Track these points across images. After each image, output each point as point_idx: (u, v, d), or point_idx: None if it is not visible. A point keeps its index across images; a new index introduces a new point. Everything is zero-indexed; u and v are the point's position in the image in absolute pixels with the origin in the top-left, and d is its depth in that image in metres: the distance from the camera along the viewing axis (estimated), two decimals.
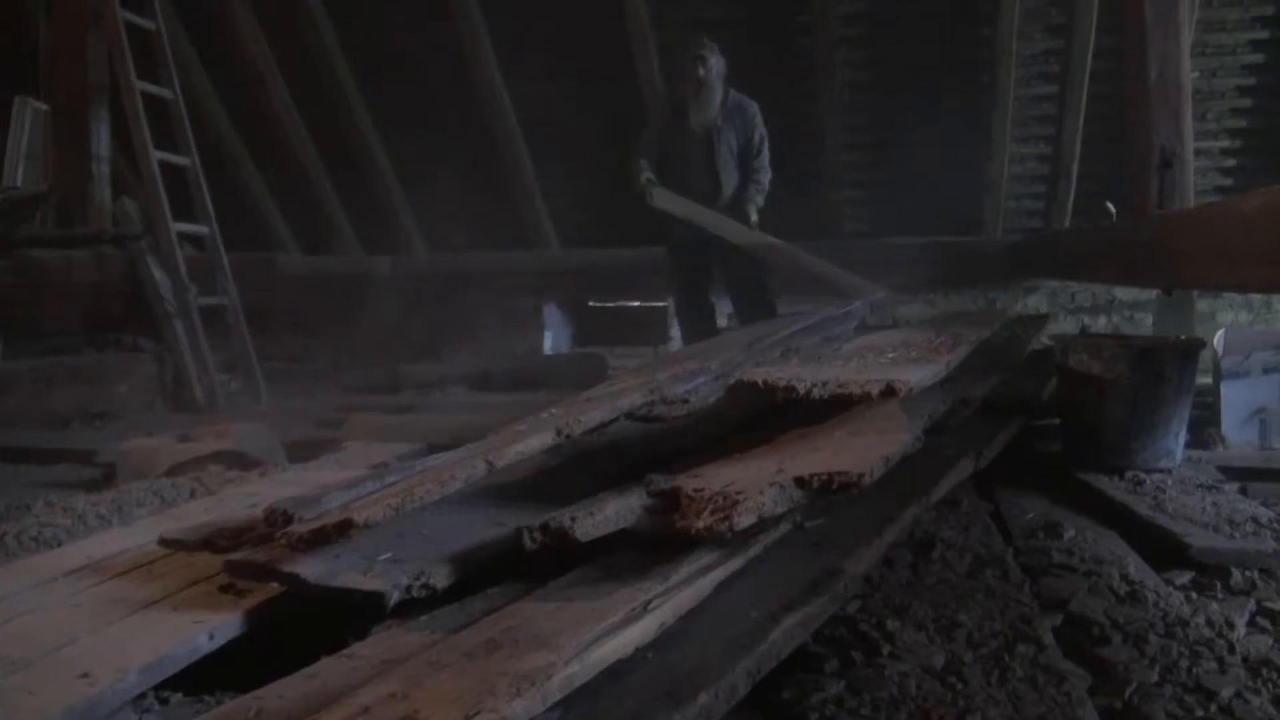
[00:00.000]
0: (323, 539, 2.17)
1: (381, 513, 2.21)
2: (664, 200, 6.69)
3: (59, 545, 2.87)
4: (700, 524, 2.06)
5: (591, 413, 3.03)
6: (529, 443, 2.68)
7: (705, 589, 2.04)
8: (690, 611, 1.97)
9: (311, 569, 2.11)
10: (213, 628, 2.03)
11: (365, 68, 8.25)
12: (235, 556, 2.25)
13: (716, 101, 6.72)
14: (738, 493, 2.13)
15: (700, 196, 6.76)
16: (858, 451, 2.51)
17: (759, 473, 2.37)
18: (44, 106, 6.77)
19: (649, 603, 1.89)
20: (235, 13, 8.05)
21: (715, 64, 6.69)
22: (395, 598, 2.02)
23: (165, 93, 6.49)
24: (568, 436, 2.83)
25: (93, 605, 2.18)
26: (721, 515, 2.05)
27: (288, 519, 2.27)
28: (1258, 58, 7.27)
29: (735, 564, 2.17)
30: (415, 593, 2.05)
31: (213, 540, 2.45)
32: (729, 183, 6.81)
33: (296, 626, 2.13)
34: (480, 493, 2.69)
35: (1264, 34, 7.16)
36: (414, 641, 1.88)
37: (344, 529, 2.16)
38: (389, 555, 2.19)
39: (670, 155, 6.84)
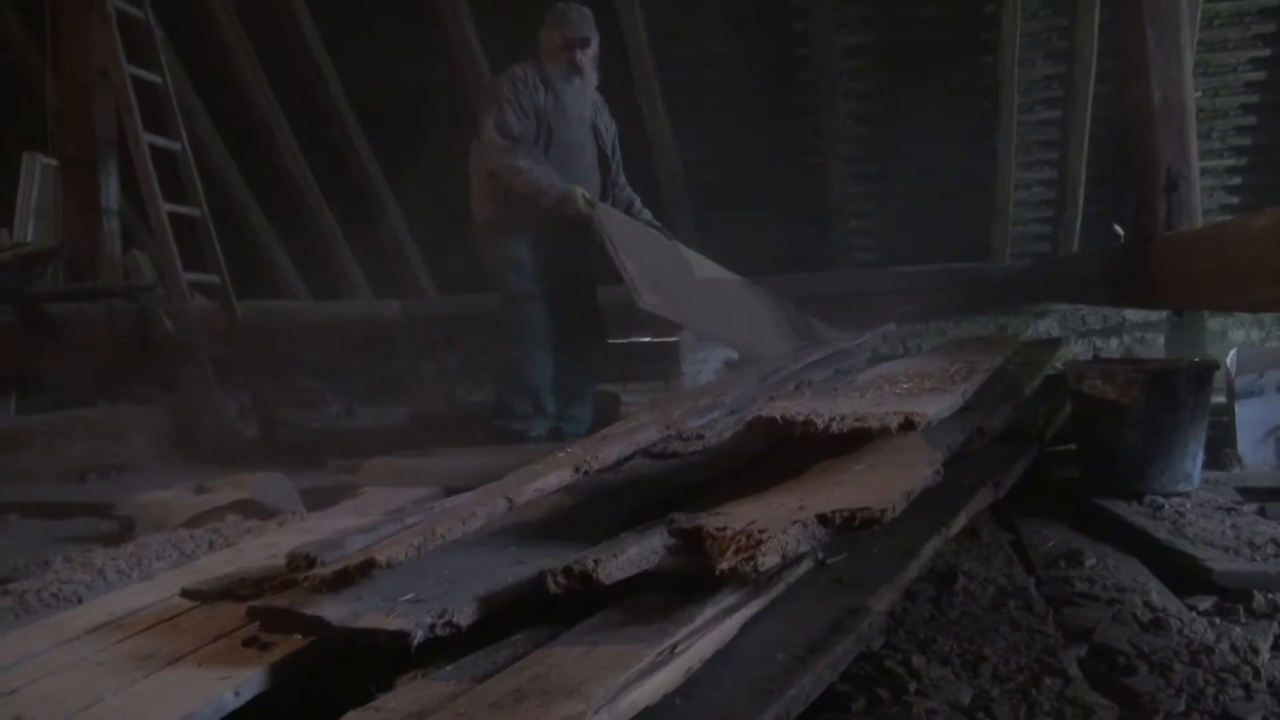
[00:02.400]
0: (345, 580, 2.17)
1: (404, 552, 2.21)
2: (609, 223, 5.39)
3: (80, 601, 2.87)
4: (724, 565, 2.05)
5: (608, 449, 3.04)
6: (547, 480, 2.68)
7: (730, 631, 2.04)
8: (716, 654, 1.97)
9: (334, 611, 2.11)
10: (238, 684, 2.02)
11: (371, 113, 8.29)
12: (258, 603, 2.25)
13: (592, 89, 5.84)
14: (760, 531, 2.13)
15: None
16: (879, 486, 2.51)
17: (781, 510, 2.37)
18: (53, 162, 6.82)
19: (675, 646, 1.89)
20: (240, 63, 8.10)
21: (595, 49, 5.80)
22: (419, 637, 2.00)
23: (173, 145, 6.53)
24: (585, 473, 2.84)
25: (117, 663, 2.18)
26: (746, 555, 2.04)
27: (310, 563, 2.28)
28: (1260, 75, 7.29)
29: (759, 604, 2.16)
30: (439, 631, 2.03)
31: (234, 590, 2.46)
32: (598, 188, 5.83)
33: (321, 679, 2.13)
34: (501, 532, 2.69)
35: (1265, 51, 7.18)
36: (440, 692, 1.87)
37: (367, 569, 2.16)
38: (411, 595, 2.18)
39: (551, 147, 5.65)
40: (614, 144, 6.06)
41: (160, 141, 6.42)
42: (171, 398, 6.20)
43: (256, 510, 3.94)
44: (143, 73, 6.46)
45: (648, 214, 6.13)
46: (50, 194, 7.01)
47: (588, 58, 5.73)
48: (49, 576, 3.15)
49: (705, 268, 6.35)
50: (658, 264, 5.56)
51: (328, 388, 8.13)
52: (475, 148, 5.74)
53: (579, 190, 5.45)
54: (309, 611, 2.12)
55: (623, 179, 6.14)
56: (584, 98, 5.79)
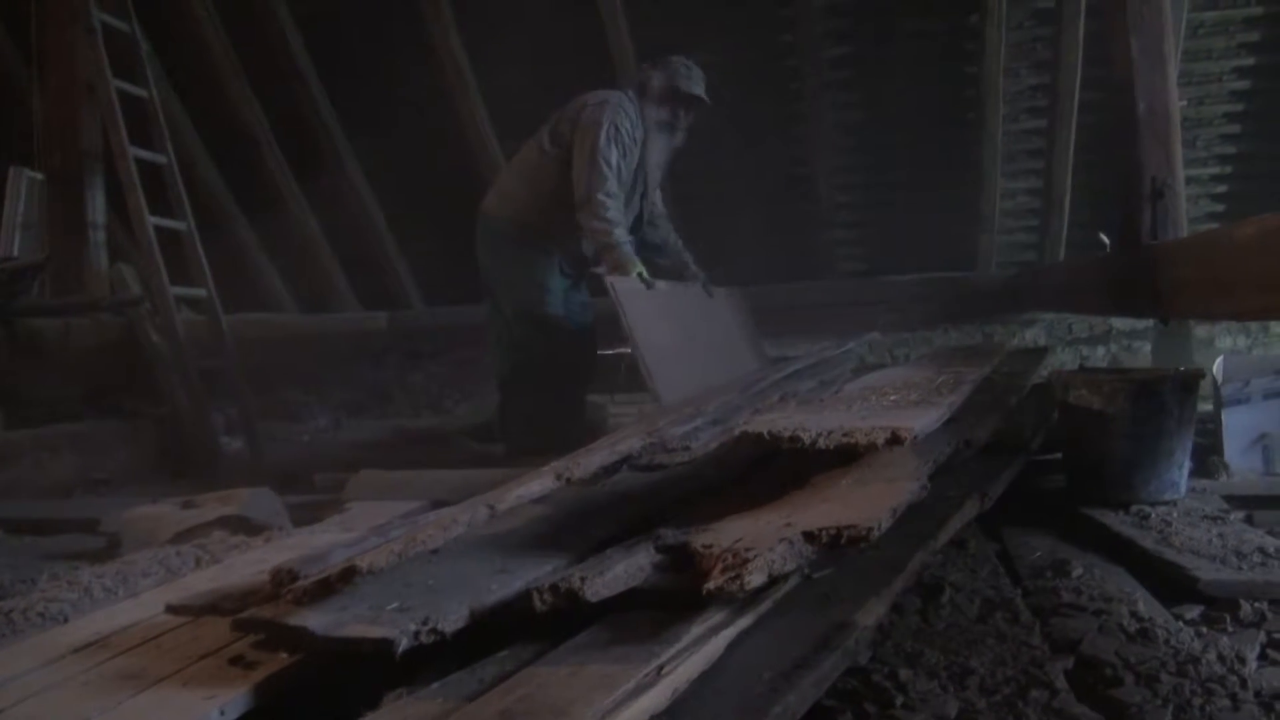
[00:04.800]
0: (327, 590, 2.17)
1: (385, 559, 2.20)
2: (634, 318, 4.99)
3: (66, 620, 2.86)
4: (712, 584, 2.05)
5: (591, 459, 3.03)
6: (529, 487, 2.67)
7: (717, 650, 2.03)
8: (703, 674, 1.96)
9: (318, 621, 2.10)
10: (223, 703, 2.02)
11: (358, 126, 8.29)
12: (242, 615, 2.26)
13: (671, 150, 5.91)
14: (747, 549, 2.12)
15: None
16: (865, 502, 2.51)
17: (767, 526, 2.37)
18: (39, 176, 6.80)
19: (662, 666, 1.88)
20: (227, 77, 8.10)
21: (693, 116, 5.84)
22: (404, 644, 1.99)
23: (159, 158, 6.52)
24: (567, 480, 2.83)
25: (103, 683, 2.17)
26: (733, 574, 2.04)
27: (293, 577, 2.28)
28: (1244, 84, 7.31)
29: (746, 621, 2.16)
30: (424, 638, 2.02)
31: (219, 605, 2.46)
32: None
33: (306, 699, 2.12)
34: (487, 544, 2.68)
35: (1250, 60, 7.20)
36: (426, 710, 1.87)
37: (348, 576, 2.16)
38: (396, 605, 2.17)
39: (629, 201, 5.67)
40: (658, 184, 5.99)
41: (146, 155, 6.41)
42: (158, 412, 6.19)
43: (243, 526, 3.93)
44: (129, 86, 6.45)
45: (689, 256, 6.11)
46: (36, 208, 6.99)
47: (688, 117, 5.79)
48: (35, 595, 3.14)
49: (691, 301, 6.08)
50: (669, 342, 5.27)
51: (315, 400, 8.12)
52: (543, 154, 5.63)
53: (640, 270, 5.34)
54: (293, 622, 2.11)
55: (661, 214, 6.15)
56: (664, 156, 5.84)
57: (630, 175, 5.57)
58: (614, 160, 5.40)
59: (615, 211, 5.40)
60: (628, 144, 5.50)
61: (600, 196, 5.36)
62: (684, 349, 5.41)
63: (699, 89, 5.72)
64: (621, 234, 5.40)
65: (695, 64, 5.79)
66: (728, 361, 5.87)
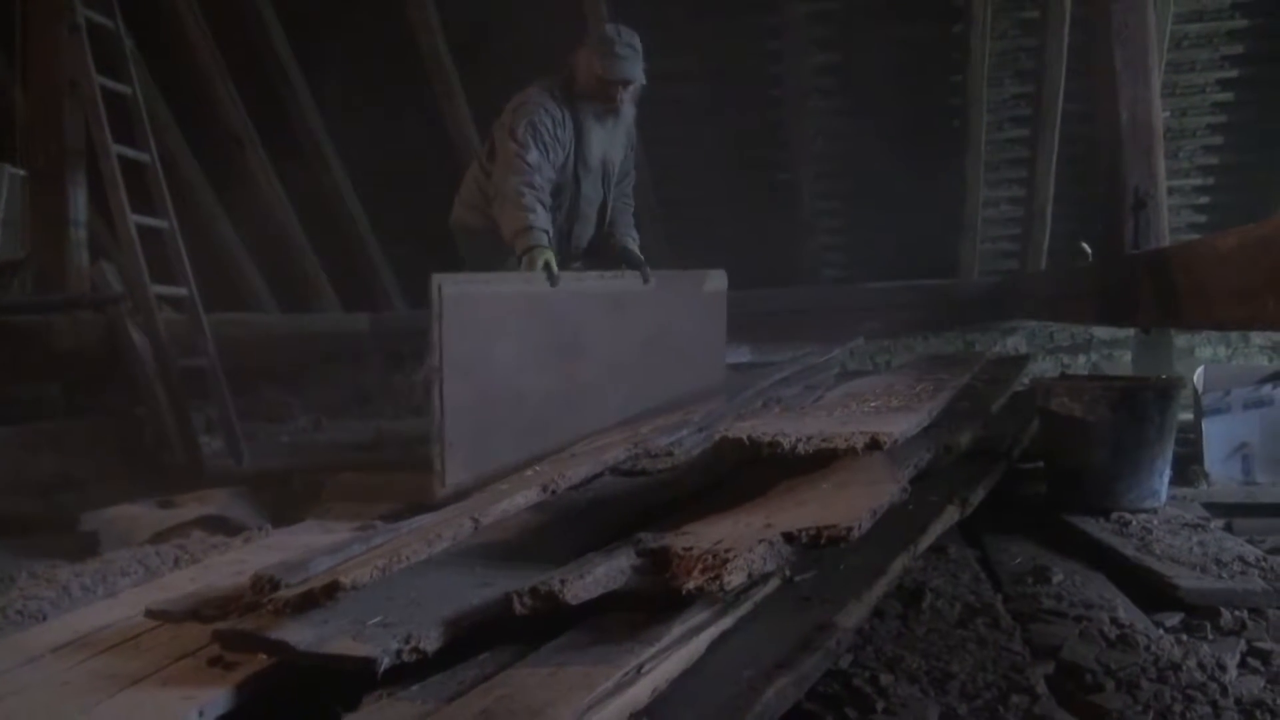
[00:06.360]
0: (310, 603, 2.16)
1: (369, 574, 2.20)
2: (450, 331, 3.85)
3: (44, 619, 2.85)
4: (691, 584, 2.05)
5: (576, 468, 3.03)
6: (514, 500, 2.67)
7: (698, 650, 2.04)
8: (683, 673, 1.96)
9: (300, 636, 2.10)
10: (202, 704, 2.01)
11: (341, 125, 8.27)
12: (223, 626, 2.24)
13: (624, 128, 5.42)
14: (727, 550, 2.13)
15: (573, 251, 5.31)
16: (845, 504, 2.51)
17: (747, 528, 2.37)
18: (21, 172, 6.76)
19: (642, 666, 1.88)
20: (211, 76, 8.07)
21: (639, 86, 5.24)
22: (386, 663, 1.99)
23: (142, 156, 6.47)
24: (553, 492, 2.83)
25: (82, 683, 2.16)
26: (712, 574, 2.05)
27: (274, 585, 2.26)
28: (1227, 96, 7.35)
29: (726, 622, 2.16)
30: (405, 657, 2.02)
31: (199, 610, 2.44)
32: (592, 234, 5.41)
33: (286, 698, 2.11)
34: (468, 552, 2.68)
35: (1233, 72, 7.25)
36: (406, 712, 1.86)
37: (331, 591, 2.15)
38: (378, 619, 2.17)
39: (577, 202, 5.28)
40: (625, 169, 5.58)
41: (129, 152, 6.36)
42: (138, 411, 6.15)
43: (222, 526, 3.92)
44: (112, 83, 6.41)
45: (631, 244, 5.52)
46: (19, 205, 6.95)
47: (628, 95, 5.23)
48: (13, 593, 3.12)
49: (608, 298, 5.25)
50: (500, 381, 4.11)
51: (295, 401, 8.08)
52: (488, 158, 5.22)
53: (547, 259, 4.62)
54: (274, 636, 2.10)
55: (629, 192, 5.68)
56: (612, 140, 5.34)
57: (559, 173, 5.09)
58: (532, 159, 4.90)
59: (531, 198, 4.82)
60: (549, 141, 4.99)
61: (513, 188, 4.84)
62: (534, 388, 4.33)
63: (626, 70, 5.11)
64: (538, 219, 4.80)
65: (624, 31, 5.20)
66: (653, 375, 5.09)
